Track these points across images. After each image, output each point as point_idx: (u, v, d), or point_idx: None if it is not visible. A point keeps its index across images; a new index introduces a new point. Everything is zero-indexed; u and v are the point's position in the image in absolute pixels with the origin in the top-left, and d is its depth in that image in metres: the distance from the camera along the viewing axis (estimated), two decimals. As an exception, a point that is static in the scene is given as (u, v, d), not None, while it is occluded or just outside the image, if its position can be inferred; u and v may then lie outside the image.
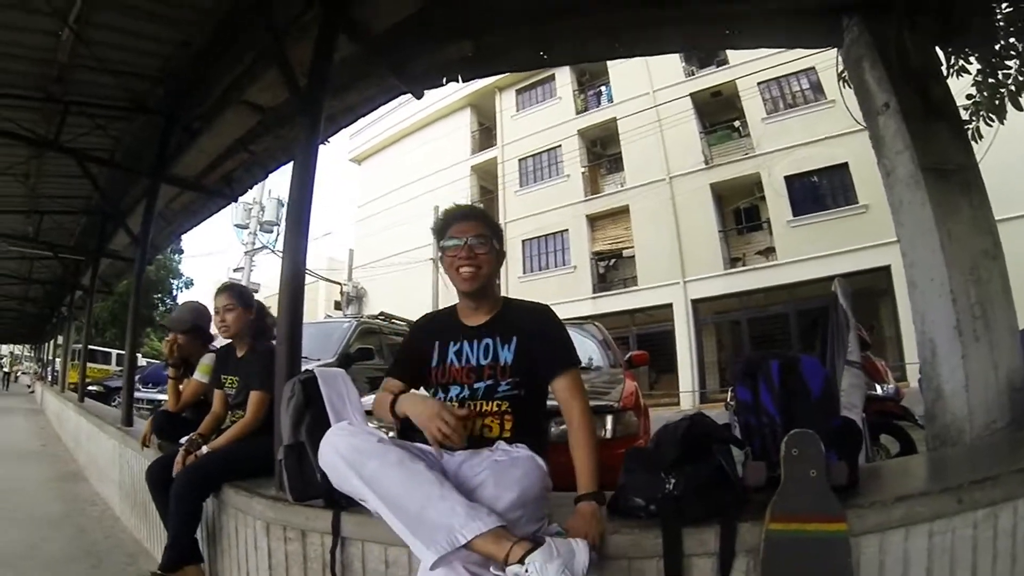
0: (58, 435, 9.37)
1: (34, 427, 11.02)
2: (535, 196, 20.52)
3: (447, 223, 1.82)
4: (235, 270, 21.07)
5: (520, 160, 21.35)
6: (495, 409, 1.70)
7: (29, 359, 39.29)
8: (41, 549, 3.46)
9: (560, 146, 20.21)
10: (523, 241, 20.13)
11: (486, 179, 23.06)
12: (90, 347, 15.46)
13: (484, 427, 1.70)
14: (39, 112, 4.88)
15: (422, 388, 1.89)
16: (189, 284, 36.41)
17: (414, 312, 3.20)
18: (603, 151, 20.62)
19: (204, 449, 2.42)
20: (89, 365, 14.68)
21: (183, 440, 2.55)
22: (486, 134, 23.80)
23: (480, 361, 1.75)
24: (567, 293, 17.72)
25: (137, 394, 8.31)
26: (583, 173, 19.86)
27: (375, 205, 25.60)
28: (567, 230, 19.57)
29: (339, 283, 22.61)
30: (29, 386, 26.36)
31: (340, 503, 1.69)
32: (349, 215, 28.52)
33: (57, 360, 19.55)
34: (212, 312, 2.71)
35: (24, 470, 6.13)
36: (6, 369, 30.24)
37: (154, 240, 6.02)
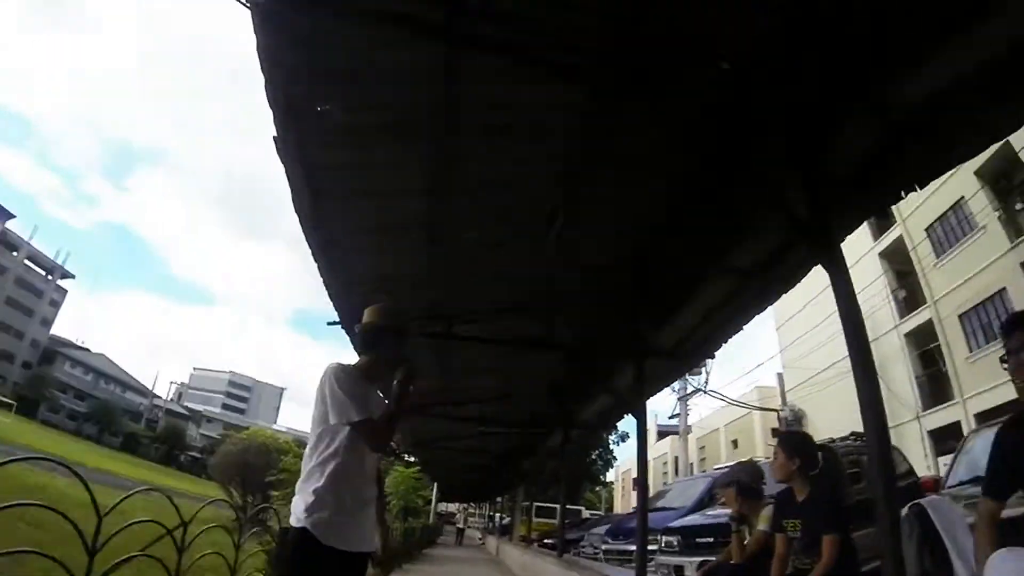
0: (528, 582, 10.73)
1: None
2: (955, 263, 17.54)
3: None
4: (670, 417, 22.40)
5: (926, 230, 18.64)
6: None
7: (471, 514, 45.68)
8: None
9: (962, 197, 16.76)
10: (959, 316, 17.27)
11: (898, 261, 20.45)
12: (539, 503, 18.10)
13: None
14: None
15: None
16: (624, 438, 37.90)
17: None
18: (1009, 182, 16.03)
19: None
20: (539, 520, 17.14)
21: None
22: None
23: None
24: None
25: (606, 546, 9.07)
26: (998, 218, 15.93)
27: (796, 324, 23.52)
28: (1004, 288, 15.63)
29: (775, 410, 21.76)
30: (480, 539, 31.06)
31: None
32: (768, 342, 27.55)
33: (500, 515, 22.98)
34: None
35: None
36: (460, 525, 32.42)
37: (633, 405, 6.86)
